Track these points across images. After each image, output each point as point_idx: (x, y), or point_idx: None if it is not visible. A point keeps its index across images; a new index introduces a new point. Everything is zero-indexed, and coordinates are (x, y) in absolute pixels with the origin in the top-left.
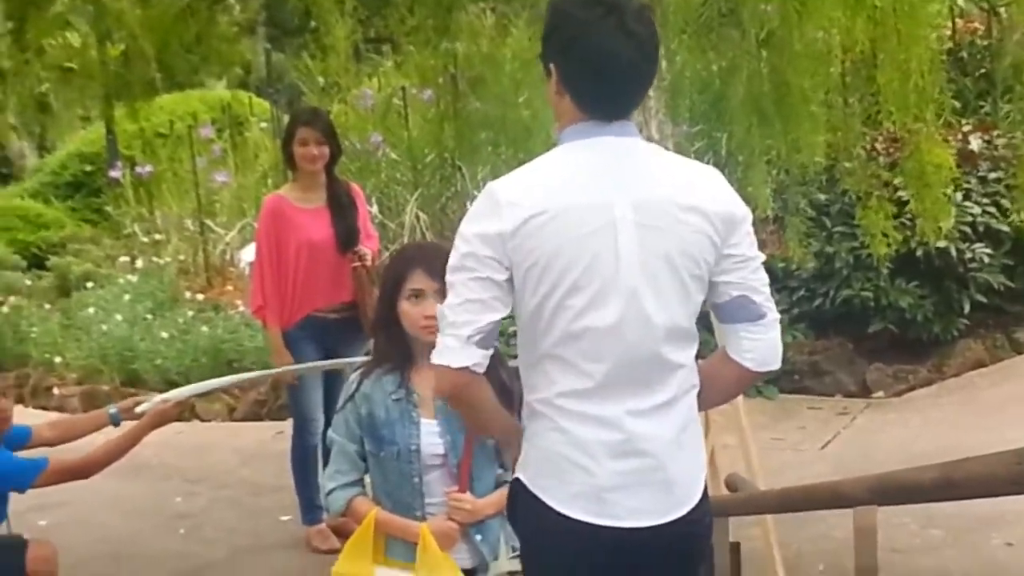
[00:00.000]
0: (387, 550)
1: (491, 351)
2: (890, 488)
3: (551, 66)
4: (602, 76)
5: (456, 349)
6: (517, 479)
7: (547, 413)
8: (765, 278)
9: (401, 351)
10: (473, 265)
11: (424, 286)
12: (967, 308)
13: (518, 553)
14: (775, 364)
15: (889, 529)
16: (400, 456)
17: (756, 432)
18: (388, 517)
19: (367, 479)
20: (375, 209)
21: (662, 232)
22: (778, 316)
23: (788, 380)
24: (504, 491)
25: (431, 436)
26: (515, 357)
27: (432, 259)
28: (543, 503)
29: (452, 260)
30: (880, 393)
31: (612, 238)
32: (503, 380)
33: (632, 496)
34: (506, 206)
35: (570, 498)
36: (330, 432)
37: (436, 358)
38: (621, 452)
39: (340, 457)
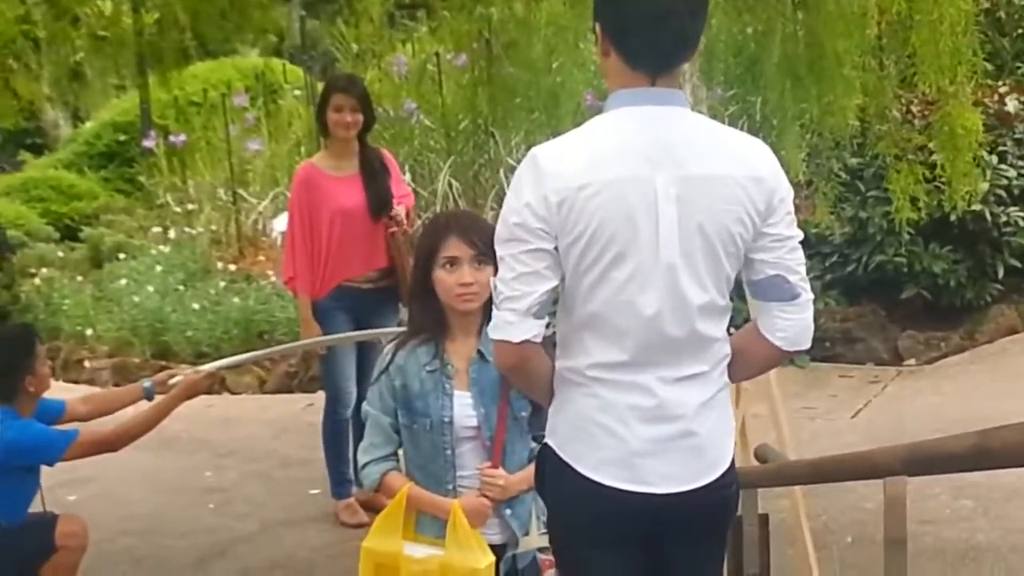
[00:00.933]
0: (417, 526)
1: (546, 320)
2: (922, 457)
3: (597, 24)
4: (647, 24)
5: (515, 323)
6: (546, 444)
7: (580, 381)
8: (802, 258)
9: (436, 321)
10: (525, 236)
11: (459, 253)
12: (1001, 273)
13: None
14: (805, 344)
15: (919, 500)
16: (433, 428)
17: (787, 401)
18: (420, 493)
19: (401, 452)
20: (408, 177)
21: (702, 208)
22: (811, 296)
23: (819, 348)
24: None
25: (464, 408)
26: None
27: (467, 226)
28: (573, 469)
29: (501, 232)
30: (912, 361)
31: (654, 212)
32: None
33: (664, 462)
34: (553, 176)
35: (601, 464)
36: (364, 405)
37: (495, 333)
38: (653, 417)
39: (374, 430)
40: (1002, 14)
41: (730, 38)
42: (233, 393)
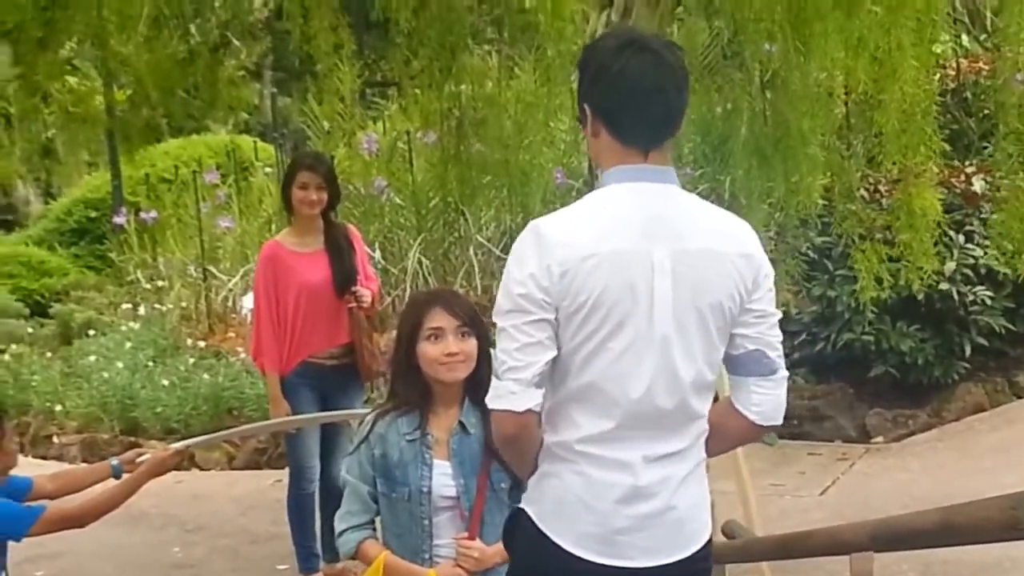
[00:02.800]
0: None
1: (544, 390)
2: (888, 534)
3: (585, 106)
4: (634, 98)
5: (519, 393)
6: (523, 511)
7: (567, 457)
8: (779, 335)
9: (420, 395)
10: (529, 306)
11: (444, 324)
12: (968, 351)
13: None
14: (778, 420)
15: None
16: (411, 497)
17: (755, 478)
18: (396, 561)
19: (378, 521)
20: (378, 254)
21: (695, 282)
22: (787, 374)
23: (788, 425)
24: None
25: (443, 478)
26: None
27: (449, 299)
28: (552, 541)
29: (503, 303)
30: (880, 438)
31: (650, 285)
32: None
33: (644, 537)
34: (557, 246)
35: (581, 538)
36: (343, 473)
37: (498, 403)
38: (636, 496)
39: (352, 498)
40: (968, 95)
41: (699, 117)
42: (202, 469)
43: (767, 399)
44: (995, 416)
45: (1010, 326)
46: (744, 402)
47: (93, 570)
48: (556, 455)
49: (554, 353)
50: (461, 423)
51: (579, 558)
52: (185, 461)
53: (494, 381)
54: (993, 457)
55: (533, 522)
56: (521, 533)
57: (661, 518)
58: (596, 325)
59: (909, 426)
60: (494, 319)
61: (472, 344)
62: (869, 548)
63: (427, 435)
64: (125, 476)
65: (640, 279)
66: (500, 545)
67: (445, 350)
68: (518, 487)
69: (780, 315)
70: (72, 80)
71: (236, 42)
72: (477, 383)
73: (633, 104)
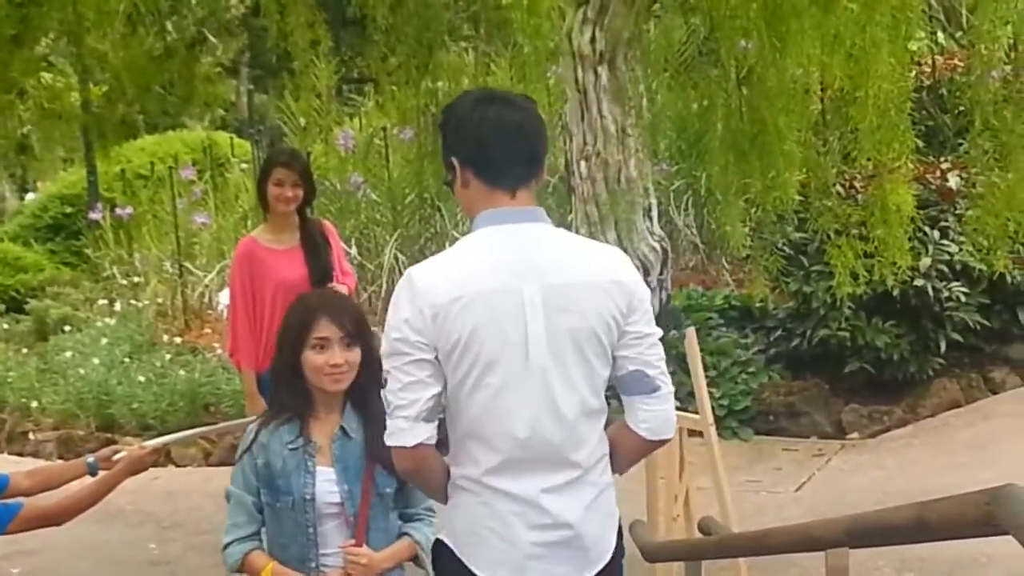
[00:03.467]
0: None
1: (436, 423)
2: (863, 529)
3: (452, 159)
4: (498, 139)
5: (407, 429)
6: (441, 542)
7: (472, 489)
8: (661, 353)
9: (302, 400)
10: (406, 349)
11: (329, 334)
12: (943, 347)
13: None
14: (668, 434)
15: (863, 573)
16: (295, 506)
17: (731, 474)
18: (283, 572)
19: (264, 532)
20: (354, 250)
21: (568, 314)
22: (672, 390)
23: (764, 421)
24: (403, 544)
25: (327, 484)
26: None
27: (336, 307)
28: (468, 568)
29: (385, 348)
30: (855, 434)
31: (522, 321)
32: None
33: (551, 562)
34: (426, 292)
35: (493, 564)
36: (228, 484)
37: (391, 440)
38: (540, 526)
39: (237, 509)
40: (944, 91)
41: (675, 113)
42: (178, 466)
43: (653, 415)
44: (970, 412)
45: (985, 322)
46: (634, 420)
47: (69, 567)
48: (462, 487)
49: (437, 389)
50: (343, 428)
51: None
52: (161, 458)
53: (388, 420)
54: (968, 453)
55: (452, 551)
56: (442, 562)
57: (566, 546)
58: (470, 363)
59: (885, 422)
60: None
61: (356, 354)
62: (844, 544)
63: (310, 442)
64: (102, 474)
65: (510, 317)
66: (389, 550)
67: (330, 360)
68: (403, 491)
69: (659, 334)
70: (48, 76)
71: (213, 39)
72: (358, 389)
73: (497, 145)
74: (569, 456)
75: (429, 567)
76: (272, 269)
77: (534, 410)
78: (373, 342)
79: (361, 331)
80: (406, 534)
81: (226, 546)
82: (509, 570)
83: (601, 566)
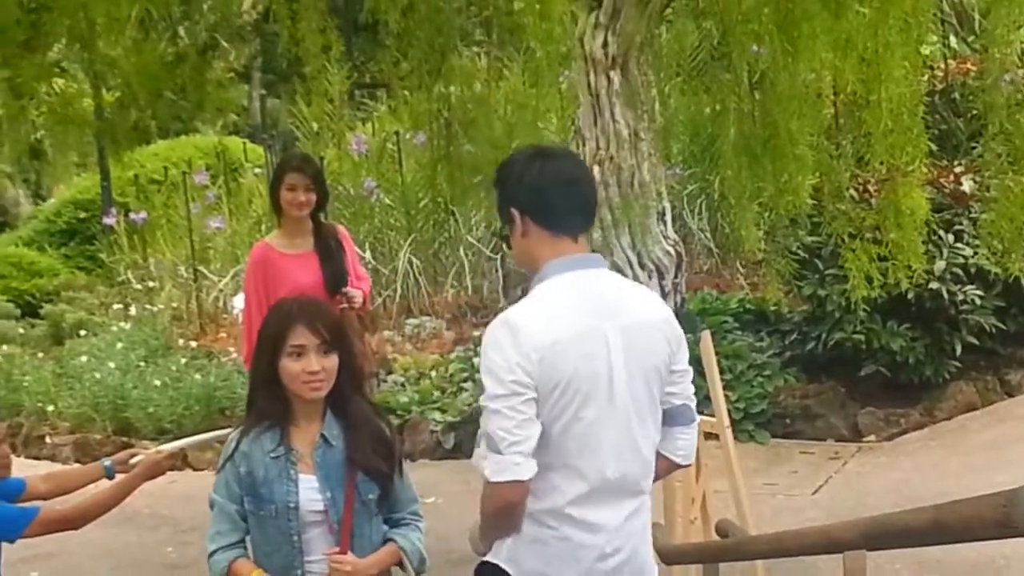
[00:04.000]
0: None
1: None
2: (880, 531)
3: (512, 210)
4: (558, 189)
5: (523, 464)
6: (498, 567)
7: (551, 524)
8: (693, 387)
9: (281, 408)
10: (520, 389)
11: (306, 341)
12: (959, 350)
13: None
14: (692, 459)
15: None
16: (279, 514)
17: (748, 477)
18: None
19: (249, 540)
20: (368, 255)
21: (640, 353)
22: (699, 419)
23: (780, 424)
24: (387, 549)
25: (310, 492)
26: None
27: (312, 315)
28: None
29: (497, 389)
30: (871, 437)
31: (608, 360)
32: (381, 429)
33: None
34: (531, 336)
35: None
36: (211, 493)
37: (504, 476)
38: (611, 552)
39: (221, 518)
40: (956, 95)
41: (688, 118)
42: (195, 469)
43: (688, 443)
44: (986, 414)
45: (1000, 325)
46: (670, 448)
47: (87, 570)
48: (541, 522)
49: (540, 427)
50: (323, 436)
51: None
52: (178, 461)
53: (495, 457)
54: (985, 455)
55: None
56: None
57: (628, 566)
58: (569, 399)
59: (901, 425)
60: (482, 403)
61: (333, 361)
62: (862, 546)
63: (291, 450)
64: (119, 477)
65: (600, 356)
66: (373, 557)
67: (307, 368)
68: (387, 497)
69: (691, 369)
70: (60, 82)
71: (225, 44)
72: (338, 396)
73: (558, 194)
74: (641, 486)
75: (412, 572)
76: (287, 274)
77: (618, 445)
78: (351, 348)
79: (338, 338)
80: (391, 540)
81: (211, 554)
82: None
83: None
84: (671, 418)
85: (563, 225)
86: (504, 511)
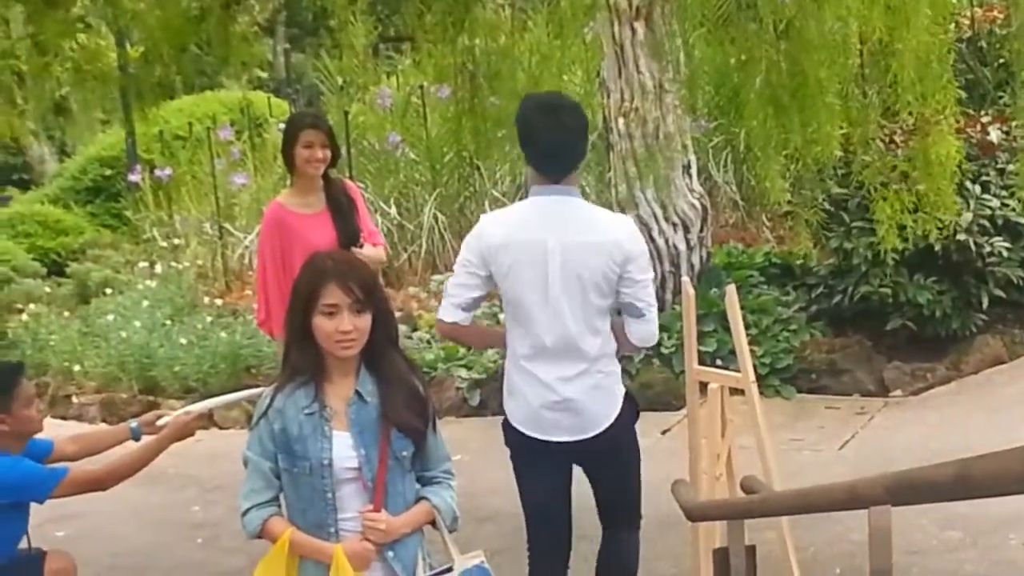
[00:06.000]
0: (300, 571)
1: (472, 313)
2: (905, 487)
3: (527, 152)
4: (547, 154)
5: (449, 309)
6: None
7: (518, 372)
8: (651, 292)
9: (314, 364)
10: (469, 267)
11: (338, 300)
12: (985, 303)
13: (436, 571)
14: (650, 342)
15: (907, 531)
16: (313, 471)
17: (773, 433)
18: (301, 538)
19: (283, 497)
20: (393, 210)
21: (576, 264)
22: (655, 316)
23: (806, 379)
24: (421, 508)
25: (344, 449)
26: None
27: (346, 273)
28: (507, 419)
29: (459, 261)
30: (898, 392)
31: (545, 263)
32: (415, 386)
33: (559, 427)
34: (487, 235)
35: (523, 420)
36: (244, 450)
37: (440, 313)
38: (554, 404)
39: (255, 475)
40: (983, 44)
41: (713, 69)
42: (221, 428)
43: (640, 331)
44: (1014, 368)
45: None
46: (628, 330)
47: (113, 531)
48: (515, 371)
49: (479, 293)
50: (358, 392)
51: (526, 435)
52: (205, 421)
53: (443, 302)
54: (1012, 409)
55: (506, 416)
56: (505, 422)
57: (571, 415)
58: (512, 282)
59: (927, 379)
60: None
61: (366, 319)
62: (887, 502)
63: (325, 407)
64: (146, 439)
65: (539, 258)
66: (407, 515)
67: (339, 327)
68: (420, 454)
69: (650, 278)
70: (84, 38)
71: None
72: (372, 352)
73: (553, 151)
74: (574, 359)
75: (446, 532)
76: (301, 235)
77: (551, 323)
78: (385, 305)
79: (371, 296)
80: (424, 498)
81: (244, 512)
82: (535, 427)
83: (595, 432)
84: (624, 309)
85: (551, 172)
86: (447, 337)
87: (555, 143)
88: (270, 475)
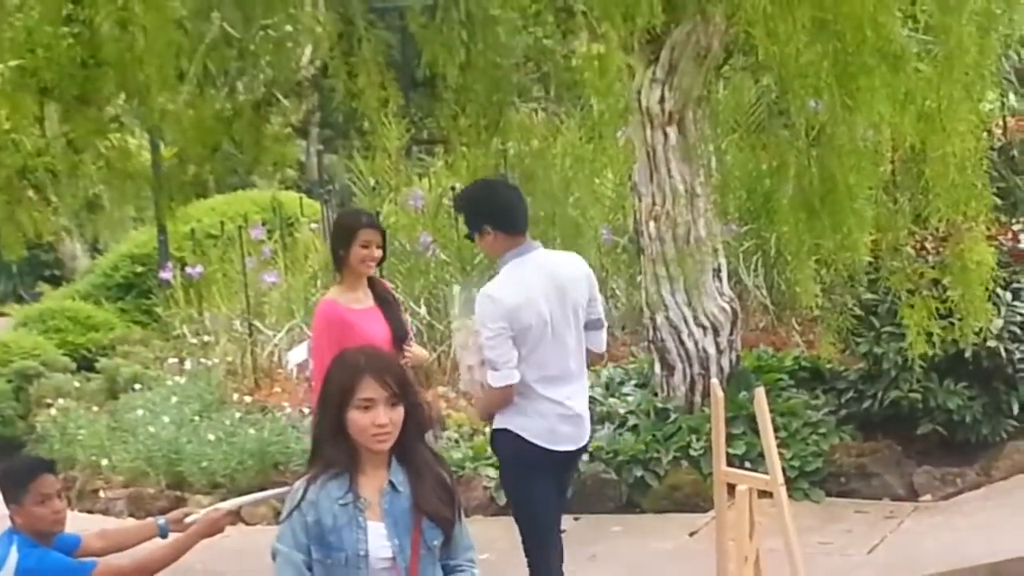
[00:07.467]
0: None
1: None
2: None
3: (485, 226)
4: (515, 207)
5: (508, 373)
6: (506, 430)
7: (530, 395)
8: (601, 308)
9: (347, 458)
10: (501, 331)
11: (374, 395)
12: (1016, 409)
13: None
14: (603, 349)
15: None
16: (348, 562)
17: (802, 536)
18: None
19: None
20: (423, 310)
21: (570, 298)
22: (606, 325)
23: (835, 483)
24: None
25: (379, 539)
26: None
27: (381, 368)
28: (523, 438)
29: (488, 333)
30: (928, 496)
31: (549, 309)
32: (443, 476)
33: (568, 439)
34: (504, 300)
35: (540, 434)
36: (274, 543)
37: (503, 382)
38: (567, 419)
39: (286, 568)
40: (1015, 153)
41: (744, 174)
42: (248, 524)
43: (599, 338)
44: None
45: None
46: (591, 343)
47: None
48: (523, 395)
49: (516, 353)
50: (391, 482)
51: (538, 446)
52: (233, 518)
53: (494, 373)
54: None
55: (516, 434)
56: (507, 441)
57: (575, 424)
58: (528, 335)
59: (957, 484)
60: (482, 343)
61: (400, 412)
62: None
63: (359, 498)
64: (174, 535)
65: (544, 309)
66: None
67: (376, 420)
68: (448, 544)
69: (601, 298)
70: (117, 136)
71: (282, 99)
72: (403, 444)
73: (514, 209)
74: (576, 376)
75: None
76: (357, 330)
77: (556, 356)
78: (417, 399)
79: (404, 390)
80: None
81: None
82: (548, 438)
83: (587, 439)
84: (589, 326)
85: (518, 229)
86: (503, 402)
87: (514, 201)
88: (302, 567)
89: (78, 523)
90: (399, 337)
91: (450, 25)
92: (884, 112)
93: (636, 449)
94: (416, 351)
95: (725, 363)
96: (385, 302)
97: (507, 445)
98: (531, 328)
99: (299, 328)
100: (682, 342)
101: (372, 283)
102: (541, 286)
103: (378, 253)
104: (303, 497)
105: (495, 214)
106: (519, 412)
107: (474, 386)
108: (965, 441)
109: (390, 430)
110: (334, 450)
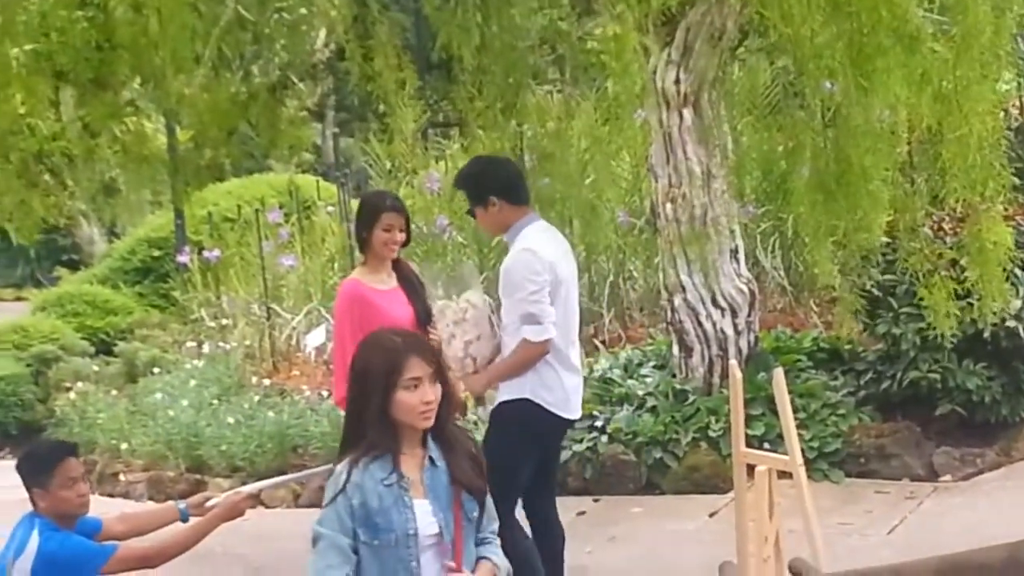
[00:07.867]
0: None
1: None
2: (954, 569)
3: (491, 198)
4: (517, 183)
5: (550, 328)
6: (526, 400)
7: (552, 361)
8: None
9: (391, 439)
10: (543, 284)
11: (421, 373)
12: None
13: None
14: None
15: None
16: (398, 542)
17: (822, 517)
18: None
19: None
20: (440, 291)
21: (573, 266)
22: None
23: (854, 463)
24: (487, 567)
25: (426, 516)
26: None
27: (420, 346)
28: (541, 407)
29: (532, 287)
30: (947, 477)
31: (565, 275)
32: (472, 449)
33: (577, 407)
34: (542, 253)
35: (557, 403)
36: (316, 527)
37: (542, 336)
38: (578, 387)
39: (331, 552)
40: None
41: (760, 155)
42: (267, 507)
43: None
44: None
45: None
46: None
47: None
48: (551, 360)
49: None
50: (431, 458)
51: (555, 414)
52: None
53: (536, 327)
54: None
55: (536, 403)
56: (526, 410)
57: (580, 391)
58: (560, 293)
59: (977, 464)
60: (527, 296)
61: (439, 389)
62: None
63: (403, 477)
64: (195, 519)
65: (566, 270)
66: (481, 574)
67: (423, 398)
68: (482, 516)
69: None
70: (133, 120)
71: (297, 83)
72: (438, 421)
73: (518, 180)
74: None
75: None
76: (381, 311)
77: (573, 322)
78: (446, 376)
79: (440, 366)
80: (484, 558)
81: None
82: (563, 407)
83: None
84: None
85: (523, 200)
86: (535, 360)
87: (518, 174)
88: (348, 551)
89: (98, 506)
90: (423, 319)
91: (465, 7)
92: (900, 93)
93: (655, 431)
94: (440, 332)
95: (743, 344)
96: (409, 284)
97: (519, 413)
98: (563, 283)
99: (317, 311)
100: (700, 323)
101: (397, 264)
102: (561, 248)
103: (401, 237)
104: (348, 480)
105: (501, 186)
106: (540, 382)
107: (466, 362)
108: (984, 421)
109: (435, 406)
110: (378, 432)
